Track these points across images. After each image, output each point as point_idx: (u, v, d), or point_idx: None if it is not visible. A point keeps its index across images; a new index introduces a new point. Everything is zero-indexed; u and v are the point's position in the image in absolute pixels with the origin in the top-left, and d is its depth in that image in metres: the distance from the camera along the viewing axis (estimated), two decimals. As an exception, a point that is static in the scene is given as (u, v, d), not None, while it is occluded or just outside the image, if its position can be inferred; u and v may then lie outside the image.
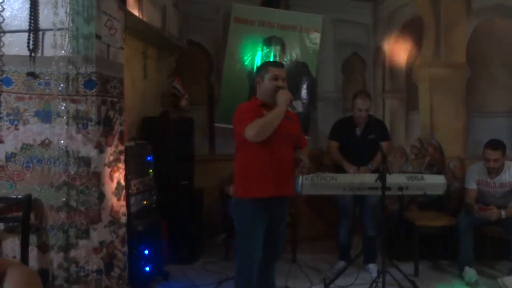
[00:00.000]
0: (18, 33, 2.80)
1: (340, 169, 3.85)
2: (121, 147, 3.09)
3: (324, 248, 4.47)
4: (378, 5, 5.01)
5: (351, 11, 4.99)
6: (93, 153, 2.81)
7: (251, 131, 2.61)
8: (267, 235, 2.79)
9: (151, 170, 3.70)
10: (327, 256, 4.28)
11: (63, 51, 2.74)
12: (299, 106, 4.72)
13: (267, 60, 4.44)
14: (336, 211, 4.09)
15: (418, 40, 4.91)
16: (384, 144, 3.81)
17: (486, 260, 4.07)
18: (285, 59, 4.68)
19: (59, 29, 2.74)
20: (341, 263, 3.94)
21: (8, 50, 2.81)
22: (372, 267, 3.87)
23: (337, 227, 4.06)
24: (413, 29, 4.91)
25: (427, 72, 4.87)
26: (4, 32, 2.80)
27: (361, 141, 3.89)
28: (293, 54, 4.73)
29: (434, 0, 4.84)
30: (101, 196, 2.86)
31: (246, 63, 4.64)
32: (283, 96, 2.70)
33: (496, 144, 3.79)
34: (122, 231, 3.08)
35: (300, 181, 3.50)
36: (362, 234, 4.04)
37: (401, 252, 4.12)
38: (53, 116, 2.78)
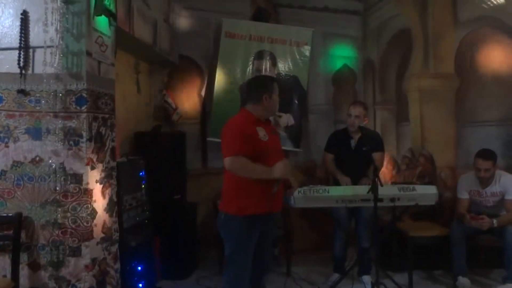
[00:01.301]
0: (9, 51, 2.80)
1: (337, 181, 3.84)
2: (112, 163, 3.08)
3: (318, 261, 4.46)
4: (367, 17, 5.07)
5: (340, 24, 5.05)
6: (84, 169, 2.80)
7: (233, 165, 2.62)
8: (258, 250, 2.77)
9: (143, 185, 3.69)
10: (322, 268, 4.27)
11: (53, 68, 2.74)
12: (290, 119, 4.76)
13: (261, 74, 4.49)
14: (331, 223, 4.09)
15: (407, 52, 4.97)
16: (377, 155, 3.84)
17: (479, 269, 4.08)
18: (276, 72, 4.72)
19: (49, 47, 2.74)
20: (336, 276, 3.93)
21: (-2, 68, 2.81)
22: (367, 279, 3.87)
23: (332, 240, 4.05)
24: (402, 41, 4.98)
25: (416, 83, 4.93)
26: (-5, 50, 2.81)
27: (355, 153, 3.90)
28: (284, 67, 4.78)
29: (421, 12, 4.92)
30: (93, 213, 2.84)
31: (237, 77, 4.67)
32: (282, 170, 2.66)
33: (487, 154, 3.82)
34: (115, 248, 3.05)
35: (292, 194, 3.51)
36: (356, 246, 4.03)
37: (395, 263, 4.12)
38: (44, 133, 2.77)
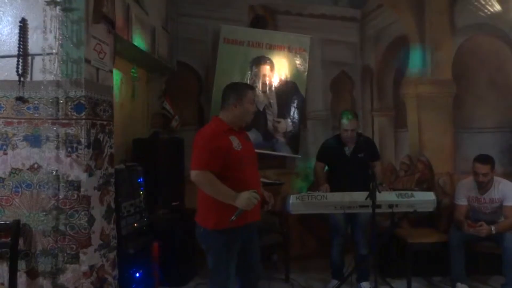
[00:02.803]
0: (7, 58, 2.81)
1: (333, 189, 3.83)
2: (111, 170, 3.09)
3: (317, 267, 4.44)
4: (364, 24, 5.09)
5: (338, 31, 5.07)
6: (82, 176, 2.80)
7: (198, 179, 2.57)
8: (245, 258, 2.75)
9: (141, 192, 3.69)
10: (320, 275, 4.26)
11: (52, 76, 2.75)
12: (289, 125, 4.78)
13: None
14: (328, 229, 4.08)
15: (404, 58, 4.99)
16: (378, 165, 3.84)
17: (478, 276, 4.08)
18: (274, 78, 4.75)
19: (48, 54, 2.75)
20: (334, 282, 3.92)
21: (-3, 76, 2.81)
22: (365, 285, 3.86)
23: (330, 246, 4.04)
24: (399, 47, 5.00)
25: (414, 90, 4.94)
26: (-6, 57, 2.82)
27: (351, 160, 3.90)
28: (282, 73, 4.79)
29: (419, 19, 4.95)
30: (91, 220, 2.84)
31: (235, 83, 4.67)
32: (245, 202, 2.53)
33: (485, 158, 3.83)
34: (113, 255, 3.05)
35: (290, 201, 3.52)
36: (354, 252, 4.02)
37: (394, 270, 4.11)
38: (42, 140, 2.78)
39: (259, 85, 4.77)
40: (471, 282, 3.84)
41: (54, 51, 2.74)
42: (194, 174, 2.59)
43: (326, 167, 4.13)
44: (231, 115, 2.74)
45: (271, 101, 4.78)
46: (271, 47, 4.78)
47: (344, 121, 3.86)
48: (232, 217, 2.52)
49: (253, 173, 2.75)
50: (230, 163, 2.60)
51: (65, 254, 2.80)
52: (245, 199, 2.53)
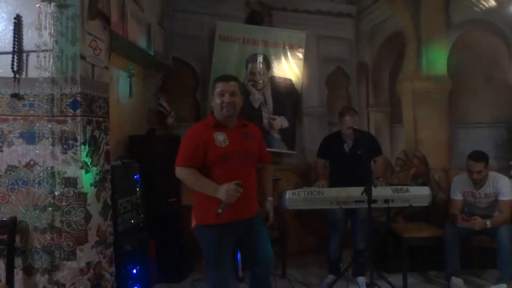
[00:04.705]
0: (2, 55, 2.80)
1: (333, 185, 3.82)
2: (107, 167, 3.09)
3: (314, 262, 4.47)
4: (360, 20, 5.10)
5: (333, 27, 5.07)
6: (78, 173, 2.80)
7: (179, 175, 2.63)
8: (248, 253, 2.76)
9: (138, 189, 3.69)
10: (317, 270, 4.28)
11: (47, 72, 2.74)
12: (284, 122, 4.79)
13: (250, 76, 4.50)
14: (326, 225, 4.09)
15: (400, 54, 5.00)
16: (379, 160, 3.85)
17: (473, 270, 4.10)
18: (270, 75, 4.75)
19: (43, 51, 2.75)
20: (331, 277, 3.93)
21: (-8, 72, 2.80)
22: (361, 280, 3.88)
23: (328, 241, 4.04)
24: (395, 43, 5.01)
25: (409, 85, 4.96)
26: (-12, 54, 2.80)
27: (350, 157, 3.90)
28: (278, 70, 4.80)
29: (414, 15, 4.96)
30: (88, 217, 2.84)
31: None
32: (224, 194, 2.50)
33: (478, 156, 3.83)
34: (109, 251, 3.06)
35: (286, 196, 3.53)
36: (351, 247, 4.03)
37: (389, 264, 4.13)
38: (38, 137, 2.77)
39: (255, 83, 4.79)
40: (466, 276, 3.87)
41: (49, 47, 2.74)
42: (177, 171, 2.65)
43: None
44: (214, 110, 2.75)
45: (267, 98, 4.80)
46: (267, 44, 4.80)
47: (347, 118, 3.82)
48: (218, 210, 2.51)
49: (243, 170, 2.67)
50: (211, 159, 2.60)
51: (62, 251, 2.80)
52: (224, 190, 2.51)
